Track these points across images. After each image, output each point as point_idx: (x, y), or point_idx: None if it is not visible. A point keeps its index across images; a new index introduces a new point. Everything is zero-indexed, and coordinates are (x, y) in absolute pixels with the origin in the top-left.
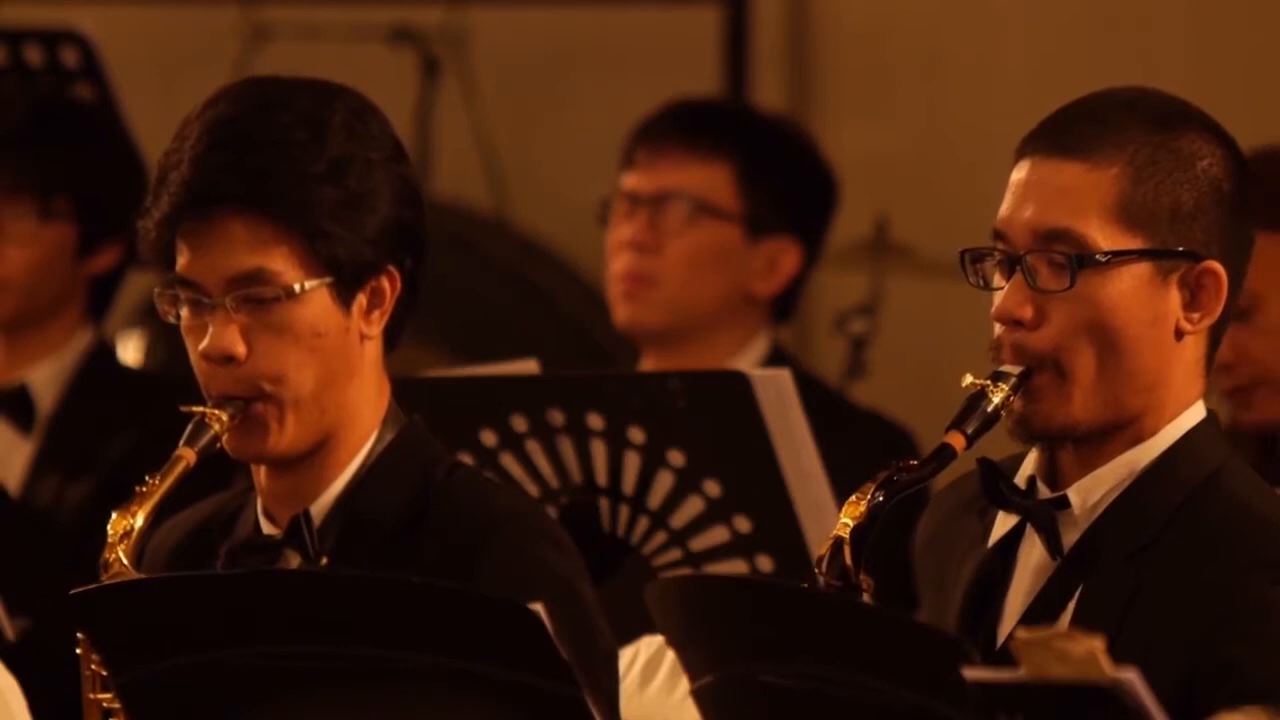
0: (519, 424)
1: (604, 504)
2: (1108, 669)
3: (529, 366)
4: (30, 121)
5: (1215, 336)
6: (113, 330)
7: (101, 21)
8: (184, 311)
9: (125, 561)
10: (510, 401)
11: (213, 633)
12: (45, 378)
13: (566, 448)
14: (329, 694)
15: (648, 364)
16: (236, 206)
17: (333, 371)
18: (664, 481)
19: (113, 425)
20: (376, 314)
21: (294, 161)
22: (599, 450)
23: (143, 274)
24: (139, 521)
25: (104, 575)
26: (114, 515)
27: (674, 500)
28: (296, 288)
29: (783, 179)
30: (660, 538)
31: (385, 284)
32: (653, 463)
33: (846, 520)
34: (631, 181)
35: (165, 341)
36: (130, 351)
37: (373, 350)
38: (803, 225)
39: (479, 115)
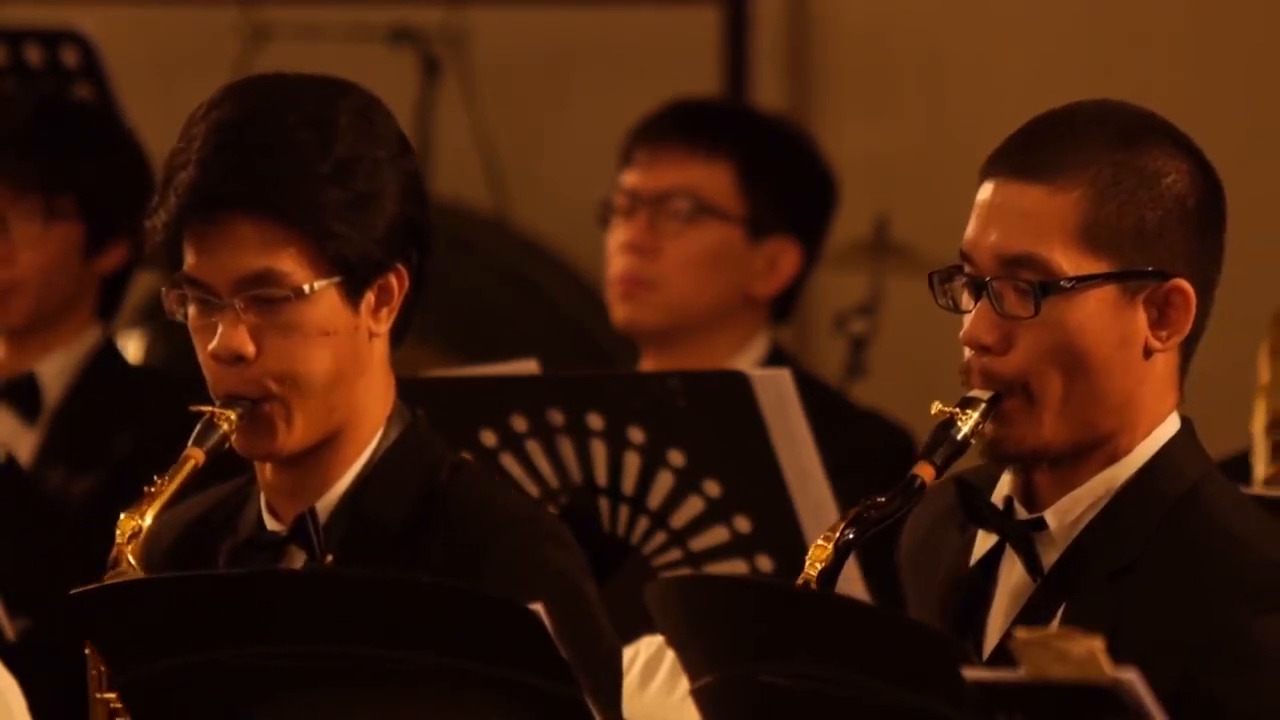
0: (519, 424)
1: (604, 504)
2: (1107, 669)
3: (529, 366)
4: (32, 123)
5: (1187, 351)
6: (114, 330)
7: (101, 21)
8: (191, 310)
9: (133, 561)
10: (510, 401)
11: (213, 633)
12: (54, 370)
13: (566, 448)
14: (329, 694)
15: (648, 364)
16: (244, 208)
17: (342, 370)
18: (664, 481)
19: (117, 421)
20: (385, 311)
21: (301, 163)
22: (599, 450)
23: (143, 274)
24: (147, 521)
25: (109, 574)
26: (122, 516)
27: (674, 500)
28: (306, 288)
29: (783, 179)
30: (660, 538)
31: (393, 281)
32: (653, 463)
33: (815, 563)
34: (632, 179)
35: (166, 341)
36: (131, 351)
37: (380, 347)
38: (803, 225)
39: (479, 115)
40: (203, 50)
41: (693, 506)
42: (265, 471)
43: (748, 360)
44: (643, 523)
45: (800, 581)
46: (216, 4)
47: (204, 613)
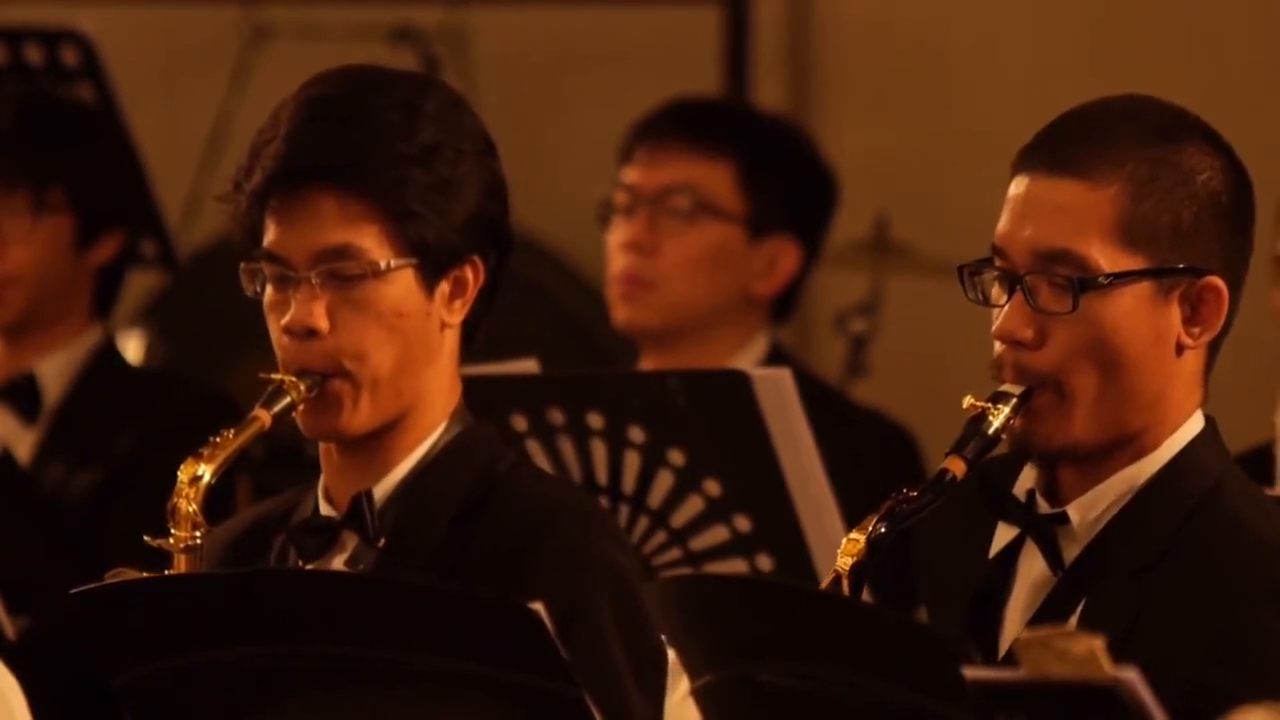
0: (519, 424)
1: (604, 503)
2: (1108, 668)
3: (529, 366)
4: (19, 119)
5: (1214, 348)
6: (114, 329)
7: (101, 21)
8: (268, 289)
9: (195, 508)
10: (510, 401)
11: (213, 633)
12: (54, 370)
13: (566, 447)
14: (329, 694)
15: (647, 364)
16: (328, 181)
17: (411, 354)
18: (664, 481)
19: (117, 421)
20: (458, 303)
21: (387, 141)
22: (599, 450)
23: (143, 273)
24: (208, 473)
25: (170, 522)
26: (186, 460)
27: (674, 500)
28: (382, 264)
29: (783, 179)
30: (660, 537)
31: (469, 274)
32: (653, 462)
33: (847, 556)
34: (632, 175)
35: (166, 341)
36: (131, 351)
37: (451, 340)
38: (803, 225)
39: (479, 115)
40: (203, 50)
41: (693, 506)
42: (326, 454)
43: (748, 360)
44: (643, 522)
45: (831, 575)
46: (216, 4)
47: (204, 613)
